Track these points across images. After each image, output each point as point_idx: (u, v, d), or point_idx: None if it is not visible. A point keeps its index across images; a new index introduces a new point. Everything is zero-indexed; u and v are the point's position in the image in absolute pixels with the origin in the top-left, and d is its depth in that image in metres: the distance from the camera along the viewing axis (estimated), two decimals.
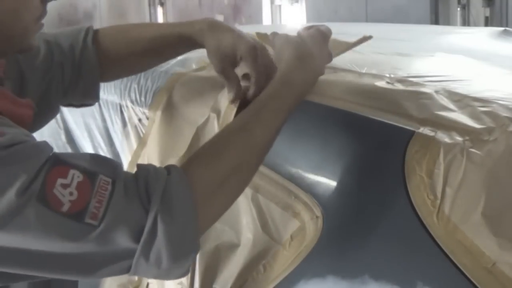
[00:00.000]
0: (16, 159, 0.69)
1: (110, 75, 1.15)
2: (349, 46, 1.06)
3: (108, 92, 1.34)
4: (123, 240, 0.72)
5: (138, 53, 1.11)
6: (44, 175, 0.69)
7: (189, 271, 0.80)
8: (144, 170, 0.77)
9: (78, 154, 0.74)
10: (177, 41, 1.09)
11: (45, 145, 0.74)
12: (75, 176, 0.71)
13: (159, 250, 0.73)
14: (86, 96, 1.12)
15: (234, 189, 0.84)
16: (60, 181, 0.70)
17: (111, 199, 0.72)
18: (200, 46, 1.08)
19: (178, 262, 0.76)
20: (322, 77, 0.97)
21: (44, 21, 0.88)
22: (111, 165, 0.76)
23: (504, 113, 0.88)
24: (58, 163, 0.72)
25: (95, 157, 0.77)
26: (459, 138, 0.83)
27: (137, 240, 0.72)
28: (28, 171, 0.69)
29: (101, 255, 0.72)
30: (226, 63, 1.04)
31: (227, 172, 0.81)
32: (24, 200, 0.68)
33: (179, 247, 0.75)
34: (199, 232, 0.78)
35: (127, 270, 0.75)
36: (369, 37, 0.99)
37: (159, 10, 6.90)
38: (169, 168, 0.79)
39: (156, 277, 0.78)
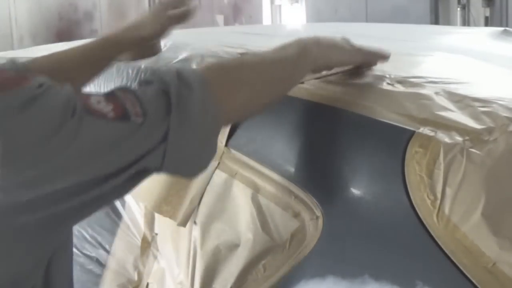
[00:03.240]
0: (53, 90, 0.72)
1: None
2: None
3: None
4: (162, 124, 0.76)
5: (68, 69, 1.14)
6: (76, 100, 0.72)
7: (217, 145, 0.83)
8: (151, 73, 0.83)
9: None
10: (101, 48, 1.18)
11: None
12: (98, 97, 0.75)
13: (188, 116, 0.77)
14: None
15: (248, 89, 0.86)
16: (91, 100, 0.74)
17: (138, 98, 0.76)
18: (123, 40, 1.21)
19: (205, 141, 0.80)
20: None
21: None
22: (116, 87, 0.80)
23: (504, 113, 0.88)
24: (79, 93, 0.75)
25: None
26: (459, 138, 0.83)
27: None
28: (67, 96, 0.72)
29: (147, 146, 0.75)
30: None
31: (237, 74, 0.86)
32: (77, 119, 0.70)
33: (201, 116, 0.78)
34: (217, 105, 0.81)
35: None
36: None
37: None
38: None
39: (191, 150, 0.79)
